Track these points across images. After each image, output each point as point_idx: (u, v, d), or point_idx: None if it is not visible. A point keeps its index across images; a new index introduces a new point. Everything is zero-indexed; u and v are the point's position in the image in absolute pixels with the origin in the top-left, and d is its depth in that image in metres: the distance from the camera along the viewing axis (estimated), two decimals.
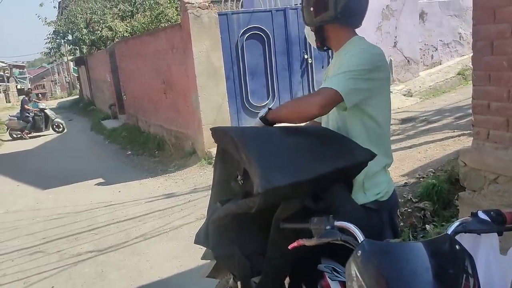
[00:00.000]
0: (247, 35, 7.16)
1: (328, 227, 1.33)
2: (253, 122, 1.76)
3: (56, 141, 12.56)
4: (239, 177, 1.57)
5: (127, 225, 4.88)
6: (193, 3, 6.64)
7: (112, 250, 4.28)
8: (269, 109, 1.74)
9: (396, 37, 8.57)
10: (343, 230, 1.32)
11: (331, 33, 1.73)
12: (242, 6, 8.48)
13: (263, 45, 7.33)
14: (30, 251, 4.48)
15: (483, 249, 1.33)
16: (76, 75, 28.63)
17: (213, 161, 6.63)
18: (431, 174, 4.22)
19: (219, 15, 6.85)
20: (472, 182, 2.89)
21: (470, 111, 6.15)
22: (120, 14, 17.71)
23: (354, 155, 1.52)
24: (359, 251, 1.21)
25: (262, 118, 1.71)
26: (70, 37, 19.16)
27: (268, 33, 7.30)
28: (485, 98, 2.72)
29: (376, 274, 1.16)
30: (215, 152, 1.82)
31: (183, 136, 7.97)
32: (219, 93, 6.95)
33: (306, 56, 7.63)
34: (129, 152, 9.41)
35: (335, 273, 1.48)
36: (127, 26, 17.02)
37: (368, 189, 1.63)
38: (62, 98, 31.98)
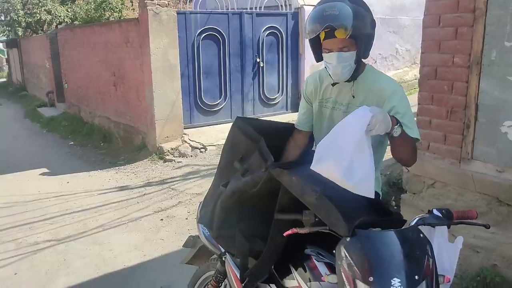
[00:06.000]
0: (203, 35, 7.37)
1: (317, 219, 1.66)
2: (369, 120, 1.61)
3: None
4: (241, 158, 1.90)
5: (83, 216, 4.91)
6: (153, 0, 6.74)
7: (71, 239, 4.32)
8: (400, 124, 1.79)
9: None
10: None
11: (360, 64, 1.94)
12: (193, 6, 8.61)
13: (218, 46, 7.58)
14: None
15: (436, 238, 1.73)
16: (3, 56, 26.85)
17: (165, 156, 6.68)
18: None
19: (177, 13, 7.00)
20: (413, 186, 3.38)
21: None
22: None
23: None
24: (348, 237, 1.54)
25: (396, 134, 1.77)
26: (2, 18, 18.07)
27: (224, 34, 7.56)
28: (428, 115, 3.21)
29: (361, 254, 1.50)
30: (225, 140, 2.10)
31: (133, 130, 7.99)
32: (173, 89, 7.09)
33: (258, 60, 7.98)
34: (72, 143, 9.20)
35: (320, 256, 1.81)
36: (68, 11, 16.38)
37: None
38: None
